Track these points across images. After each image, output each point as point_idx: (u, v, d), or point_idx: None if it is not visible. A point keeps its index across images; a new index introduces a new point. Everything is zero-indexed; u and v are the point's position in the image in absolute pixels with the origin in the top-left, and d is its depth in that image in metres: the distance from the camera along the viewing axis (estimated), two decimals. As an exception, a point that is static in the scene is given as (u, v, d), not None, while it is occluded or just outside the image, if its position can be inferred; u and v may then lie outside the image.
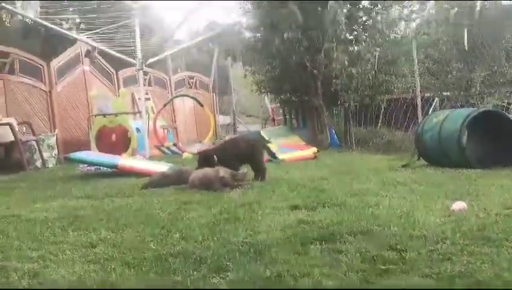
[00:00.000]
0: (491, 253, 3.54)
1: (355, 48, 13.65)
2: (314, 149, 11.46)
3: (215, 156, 7.46)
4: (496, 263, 3.34)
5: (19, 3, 20.96)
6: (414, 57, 12.38)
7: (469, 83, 12.03)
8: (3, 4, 15.63)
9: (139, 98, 14.24)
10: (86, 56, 15.10)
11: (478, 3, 13.31)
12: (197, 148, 12.72)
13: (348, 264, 3.42)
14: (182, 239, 4.25)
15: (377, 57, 13.05)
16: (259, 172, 7.50)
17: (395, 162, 9.15)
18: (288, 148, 11.77)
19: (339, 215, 4.87)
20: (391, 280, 3.13)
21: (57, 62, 14.45)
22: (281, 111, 18.24)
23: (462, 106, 11.25)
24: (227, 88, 23.67)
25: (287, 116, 17.11)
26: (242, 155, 7.51)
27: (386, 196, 5.80)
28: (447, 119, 8.60)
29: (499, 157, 8.14)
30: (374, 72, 13.10)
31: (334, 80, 12.85)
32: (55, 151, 12.50)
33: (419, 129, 9.13)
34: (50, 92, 13.92)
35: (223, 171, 6.77)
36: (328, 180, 7.26)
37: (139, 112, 13.84)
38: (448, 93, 12.58)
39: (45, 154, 11.99)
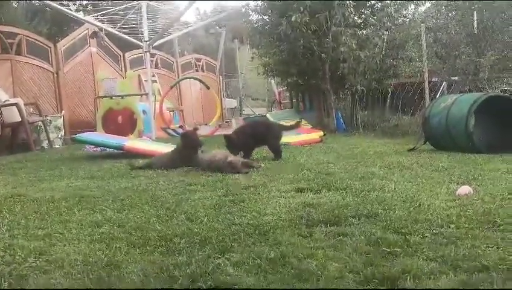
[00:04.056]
0: (495, 237, 3.54)
1: (364, 31, 13.54)
2: (321, 133, 11.43)
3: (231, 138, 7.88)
4: (500, 247, 3.34)
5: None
6: (422, 41, 12.28)
7: (477, 67, 11.92)
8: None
9: (146, 80, 14.23)
10: (92, 38, 15.07)
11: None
12: (203, 130, 12.73)
13: (353, 247, 3.43)
14: (187, 220, 4.27)
15: (385, 40, 12.94)
16: (276, 152, 8.07)
17: (401, 146, 9.12)
18: (296, 132, 11.74)
19: (344, 198, 4.88)
20: (395, 262, 3.14)
21: (64, 43, 14.45)
22: (287, 94, 18.17)
23: (470, 91, 11.16)
24: (234, 71, 23.59)
25: (294, 100, 17.04)
26: (260, 137, 8.07)
27: (392, 179, 5.79)
28: (455, 104, 8.54)
29: (506, 142, 8.11)
30: (381, 56, 13.01)
31: (341, 64, 12.76)
32: (62, 132, 12.54)
33: (427, 113, 9.07)
34: (57, 73, 13.93)
35: (233, 156, 6.84)
36: (334, 164, 7.25)
37: (146, 94, 13.84)
38: (456, 78, 12.48)
39: (52, 135, 12.04)
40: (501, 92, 10.19)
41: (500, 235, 3.57)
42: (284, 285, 2.85)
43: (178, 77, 18.28)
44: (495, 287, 2.72)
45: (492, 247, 3.35)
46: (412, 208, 4.37)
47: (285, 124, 9.73)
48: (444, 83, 12.43)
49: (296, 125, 9.26)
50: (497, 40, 12.08)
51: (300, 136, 11.22)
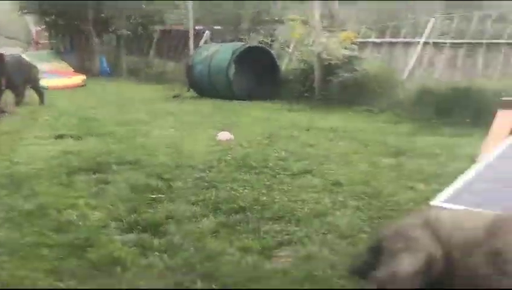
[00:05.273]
0: (251, 180, 3.80)
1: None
2: (83, 77, 10.97)
3: None
4: (255, 188, 3.60)
5: None
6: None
7: (239, 19, 12.46)
8: None
9: None
10: None
11: None
12: None
13: (116, 195, 3.38)
14: None
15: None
16: (42, 95, 7.57)
17: (166, 93, 9.22)
18: (55, 75, 11.05)
19: (108, 144, 4.77)
20: (158, 208, 3.17)
21: None
22: (46, 34, 16.90)
23: (231, 41, 11.63)
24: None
25: (53, 41, 15.93)
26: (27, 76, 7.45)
27: (156, 126, 5.84)
28: (217, 53, 8.88)
29: (262, 90, 8.71)
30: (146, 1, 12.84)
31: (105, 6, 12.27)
32: None
33: (190, 61, 9.30)
34: None
35: None
36: (97, 109, 7.05)
37: None
38: (219, 27, 12.90)
39: None
40: (259, 43, 10.79)
41: (255, 178, 3.85)
42: (41, 237, 2.68)
43: None
44: (250, 226, 2.92)
45: (248, 189, 3.59)
46: (175, 154, 4.46)
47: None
48: (207, 31, 12.76)
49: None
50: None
51: (60, 79, 10.61)
